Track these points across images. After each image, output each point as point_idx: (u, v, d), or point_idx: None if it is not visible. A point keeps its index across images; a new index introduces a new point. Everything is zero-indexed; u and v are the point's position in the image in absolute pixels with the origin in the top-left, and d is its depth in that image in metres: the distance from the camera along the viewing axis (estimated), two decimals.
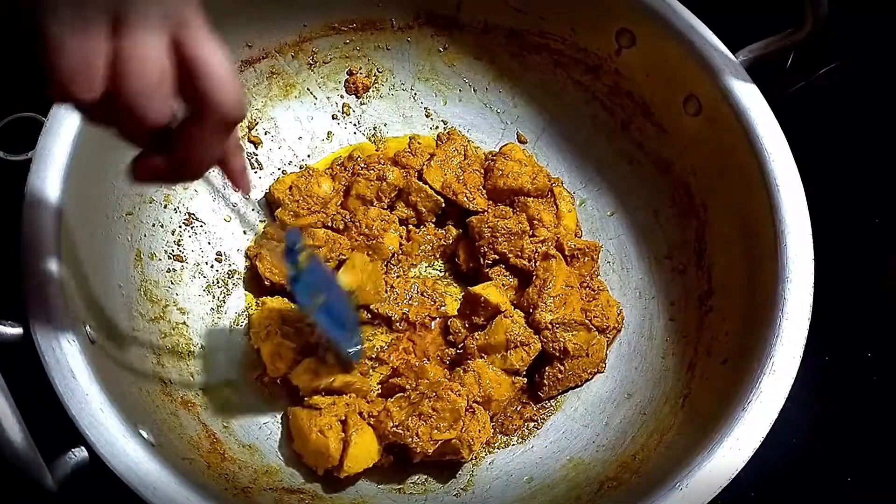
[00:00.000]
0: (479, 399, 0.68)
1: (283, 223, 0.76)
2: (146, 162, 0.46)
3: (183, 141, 0.44)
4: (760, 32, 0.71)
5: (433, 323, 0.75)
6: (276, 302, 0.72)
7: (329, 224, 0.76)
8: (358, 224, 0.75)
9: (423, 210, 0.78)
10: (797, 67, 0.76)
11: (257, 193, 0.80)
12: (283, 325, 0.70)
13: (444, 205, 0.78)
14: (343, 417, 0.66)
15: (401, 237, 0.78)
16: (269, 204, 0.79)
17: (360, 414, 0.67)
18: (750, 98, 0.68)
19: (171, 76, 0.41)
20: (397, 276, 0.76)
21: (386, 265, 0.76)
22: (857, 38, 0.87)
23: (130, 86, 0.40)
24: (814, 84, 0.88)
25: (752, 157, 0.66)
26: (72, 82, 0.39)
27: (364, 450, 0.65)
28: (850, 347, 0.77)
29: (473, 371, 0.69)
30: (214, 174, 0.50)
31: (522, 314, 0.72)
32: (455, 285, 0.78)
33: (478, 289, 0.72)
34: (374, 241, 0.75)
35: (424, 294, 0.75)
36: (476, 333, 0.71)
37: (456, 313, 0.74)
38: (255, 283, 0.75)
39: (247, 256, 0.77)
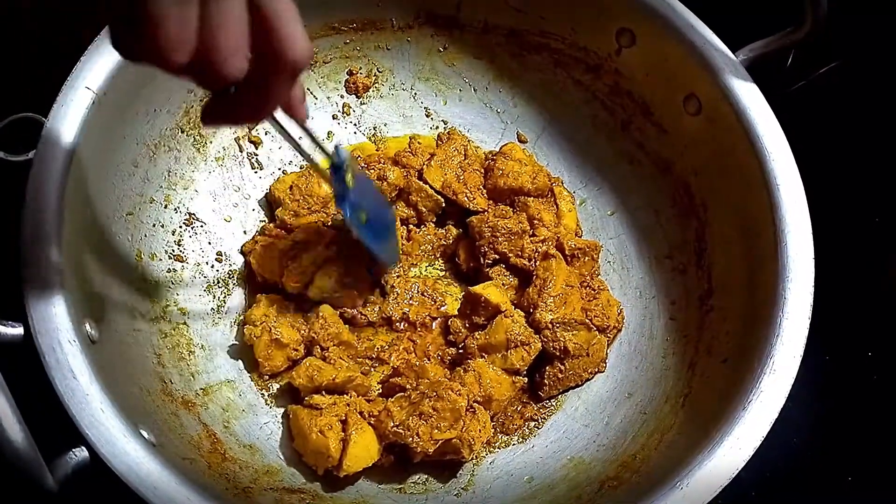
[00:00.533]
0: (479, 399, 0.68)
1: (284, 223, 0.76)
2: (216, 106, 0.49)
3: (252, 86, 0.47)
4: (760, 32, 0.71)
5: (434, 323, 0.75)
6: (271, 299, 0.72)
7: (329, 224, 0.76)
8: None
9: (424, 210, 0.78)
10: (797, 67, 0.76)
11: (258, 193, 0.80)
12: (277, 323, 0.70)
13: (444, 204, 0.78)
14: (343, 417, 0.66)
15: (401, 237, 0.78)
16: (270, 203, 0.79)
17: (361, 413, 0.67)
18: (750, 97, 0.68)
19: (249, 33, 0.44)
20: (397, 276, 0.76)
21: None
22: (857, 38, 0.87)
23: (217, 47, 0.42)
24: (814, 83, 0.88)
25: (752, 156, 0.66)
26: (171, 50, 0.41)
27: (364, 449, 0.65)
28: (851, 347, 0.77)
29: (474, 371, 0.69)
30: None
31: (523, 314, 0.72)
32: (455, 285, 0.78)
33: (478, 288, 0.72)
34: None
35: (425, 294, 0.75)
36: (476, 333, 0.71)
37: (456, 313, 0.74)
38: (250, 280, 0.75)
39: (242, 254, 0.77)
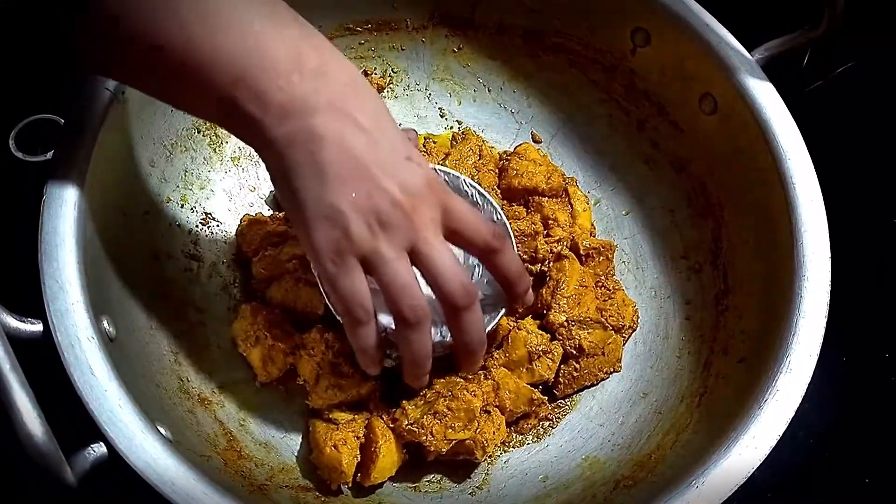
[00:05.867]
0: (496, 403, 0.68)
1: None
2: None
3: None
4: (776, 31, 0.71)
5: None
6: (253, 308, 0.70)
7: None
8: None
9: None
10: (813, 66, 0.76)
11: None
12: (272, 329, 0.69)
13: None
14: (360, 434, 0.65)
15: None
16: (278, 204, 0.79)
17: (381, 417, 0.66)
18: (766, 96, 0.68)
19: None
20: None
21: None
22: (874, 37, 0.87)
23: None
24: (830, 83, 0.87)
25: (768, 155, 0.66)
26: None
27: (391, 462, 0.64)
28: (868, 348, 0.76)
29: (493, 380, 0.68)
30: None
31: (535, 322, 0.71)
32: None
33: None
34: None
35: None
36: (495, 353, 0.70)
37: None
38: (238, 252, 0.75)
39: (237, 260, 0.76)
